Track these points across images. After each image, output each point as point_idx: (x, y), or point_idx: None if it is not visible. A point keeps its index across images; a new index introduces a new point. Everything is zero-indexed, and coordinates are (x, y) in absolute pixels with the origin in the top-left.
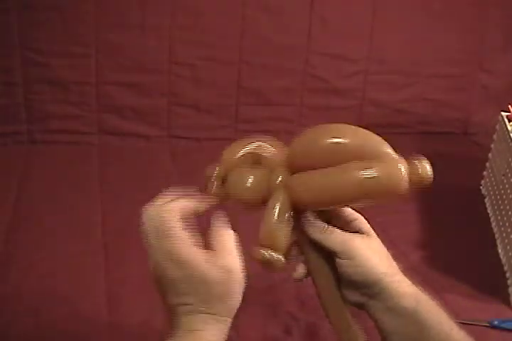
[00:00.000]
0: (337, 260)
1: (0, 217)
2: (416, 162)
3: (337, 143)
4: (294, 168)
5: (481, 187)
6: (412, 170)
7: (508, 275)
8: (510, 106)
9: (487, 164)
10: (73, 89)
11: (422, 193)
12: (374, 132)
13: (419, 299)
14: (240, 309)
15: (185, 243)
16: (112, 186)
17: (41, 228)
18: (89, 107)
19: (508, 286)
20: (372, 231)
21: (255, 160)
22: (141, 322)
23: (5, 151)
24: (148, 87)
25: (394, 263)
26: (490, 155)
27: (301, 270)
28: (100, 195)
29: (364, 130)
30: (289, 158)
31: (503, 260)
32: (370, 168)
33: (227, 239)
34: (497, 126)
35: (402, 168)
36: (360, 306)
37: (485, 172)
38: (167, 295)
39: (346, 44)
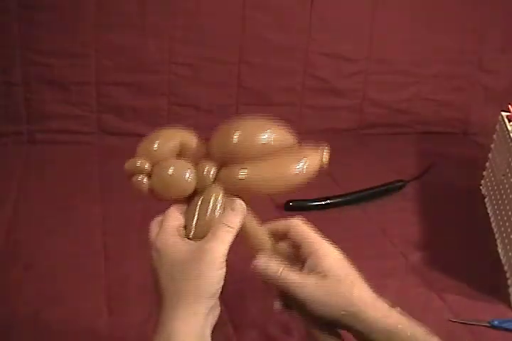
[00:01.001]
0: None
1: (0, 217)
2: (320, 151)
3: (266, 143)
4: (220, 162)
5: (481, 187)
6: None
7: (508, 275)
8: (510, 106)
9: (487, 164)
10: (73, 89)
11: (422, 193)
12: (374, 132)
13: (390, 331)
14: (240, 309)
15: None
16: (112, 186)
17: (41, 228)
18: (89, 107)
19: (508, 286)
20: (332, 264)
21: (178, 152)
22: (141, 322)
23: (5, 151)
24: (148, 87)
25: (363, 293)
26: (490, 155)
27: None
28: (100, 195)
29: (271, 123)
30: (217, 153)
31: (503, 260)
32: (301, 160)
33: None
34: (497, 126)
35: (319, 158)
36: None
37: (485, 172)
38: (156, 286)
39: (346, 44)
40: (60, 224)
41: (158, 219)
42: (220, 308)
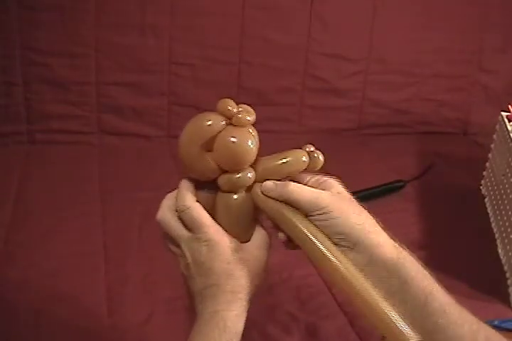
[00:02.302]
0: (309, 217)
1: (0, 217)
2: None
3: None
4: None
5: (481, 187)
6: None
7: (508, 275)
8: (510, 106)
9: (487, 164)
10: (73, 89)
11: (422, 193)
12: (374, 132)
13: (399, 251)
14: None
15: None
16: (112, 186)
17: (41, 228)
18: (89, 107)
19: (508, 286)
20: (342, 190)
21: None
22: (141, 322)
23: (5, 151)
24: (148, 87)
25: (370, 217)
26: (490, 155)
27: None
28: (100, 195)
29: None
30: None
31: (503, 260)
32: (287, 157)
33: None
34: (497, 126)
35: (304, 157)
36: None
37: (485, 172)
38: (194, 283)
39: (346, 44)
40: (60, 224)
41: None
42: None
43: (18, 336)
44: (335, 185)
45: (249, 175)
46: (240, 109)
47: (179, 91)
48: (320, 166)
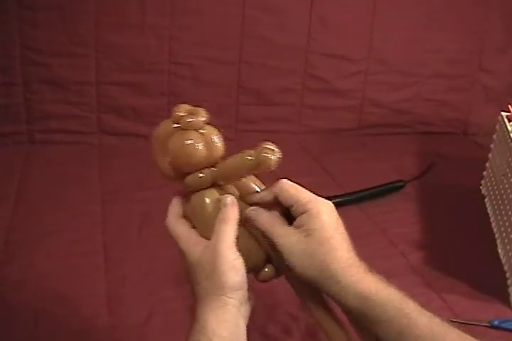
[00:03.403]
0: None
1: (0, 217)
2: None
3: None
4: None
5: (481, 187)
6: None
7: (508, 275)
8: (510, 106)
9: (487, 164)
10: (73, 89)
11: (422, 193)
12: (374, 132)
13: (363, 296)
14: None
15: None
16: (112, 186)
17: (41, 228)
18: (89, 107)
19: (508, 286)
20: (322, 223)
21: None
22: (141, 322)
23: (5, 151)
24: (148, 87)
25: (340, 258)
26: (490, 155)
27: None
28: (100, 195)
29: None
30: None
31: (503, 260)
32: (251, 154)
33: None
34: (497, 126)
35: (248, 156)
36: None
37: (485, 172)
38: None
39: (346, 44)
40: (60, 224)
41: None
42: (252, 301)
43: (17, 336)
44: (316, 217)
45: (200, 175)
46: (186, 114)
47: (179, 91)
48: (272, 166)
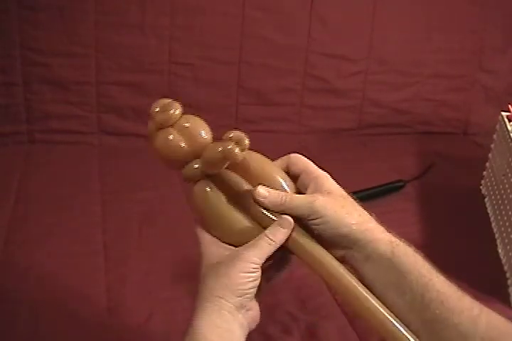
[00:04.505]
0: (305, 222)
1: (0, 217)
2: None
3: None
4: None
5: (481, 187)
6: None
7: (508, 275)
8: (510, 106)
9: (487, 164)
10: (73, 89)
11: (422, 193)
12: (374, 132)
13: (394, 244)
14: None
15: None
16: (112, 186)
17: (41, 228)
18: (89, 107)
19: (508, 286)
20: (333, 187)
21: None
22: (141, 322)
23: (5, 151)
24: (148, 87)
25: (364, 213)
26: (490, 155)
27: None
28: (100, 195)
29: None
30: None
31: (503, 260)
32: (218, 147)
33: None
34: (497, 126)
35: (220, 147)
36: (342, 259)
37: (485, 172)
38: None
39: (346, 44)
40: (60, 224)
41: None
42: (259, 313)
43: (18, 336)
44: (326, 182)
45: (195, 165)
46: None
47: (179, 91)
48: (237, 159)
